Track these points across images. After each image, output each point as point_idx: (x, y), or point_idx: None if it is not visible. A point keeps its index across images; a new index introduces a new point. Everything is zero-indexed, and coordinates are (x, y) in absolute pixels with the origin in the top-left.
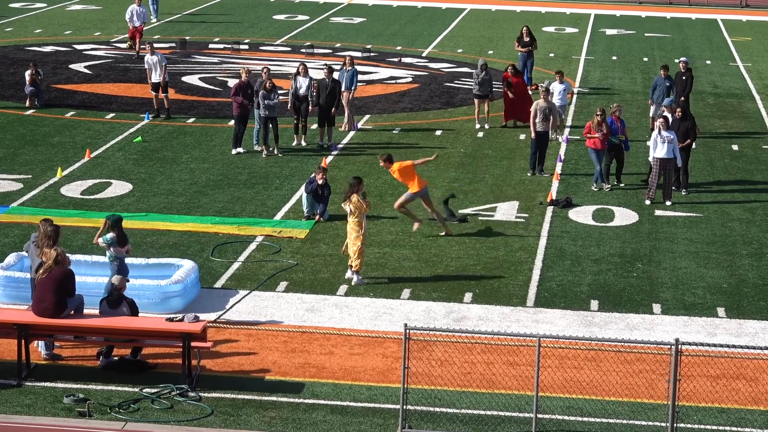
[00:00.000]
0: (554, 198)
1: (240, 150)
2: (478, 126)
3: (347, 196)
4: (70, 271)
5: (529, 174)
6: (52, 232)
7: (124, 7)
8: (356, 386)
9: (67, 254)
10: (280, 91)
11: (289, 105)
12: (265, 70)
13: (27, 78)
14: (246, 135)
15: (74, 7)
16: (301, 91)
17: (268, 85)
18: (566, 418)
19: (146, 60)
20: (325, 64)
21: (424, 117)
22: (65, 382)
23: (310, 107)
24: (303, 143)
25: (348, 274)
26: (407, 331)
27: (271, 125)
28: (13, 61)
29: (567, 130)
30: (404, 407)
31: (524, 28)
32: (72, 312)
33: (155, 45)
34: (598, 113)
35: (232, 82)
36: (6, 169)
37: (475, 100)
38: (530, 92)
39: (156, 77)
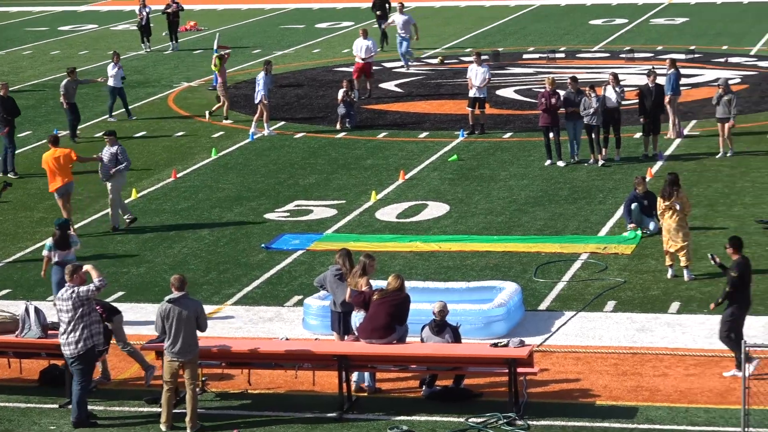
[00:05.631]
0: None
1: (550, 162)
2: (720, 154)
3: (673, 192)
4: (408, 297)
5: None
6: (366, 264)
7: (433, 21)
8: (693, 409)
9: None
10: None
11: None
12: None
13: (339, 96)
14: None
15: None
16: (609, 103)
17: (589, 91)
18: None
19: (469, 69)
20: (651, 68)
21: (755, 119)
22: (388, 414)
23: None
24: (600, 163)
25: (670, 272)
26: (746, 348)
27: (593, 134)
28: (322, 83)
29: None
30: (746, 430)
31: None
32: (395, 341)
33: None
34: None
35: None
36: (320, 195)
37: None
38: None
39: (475, 92)
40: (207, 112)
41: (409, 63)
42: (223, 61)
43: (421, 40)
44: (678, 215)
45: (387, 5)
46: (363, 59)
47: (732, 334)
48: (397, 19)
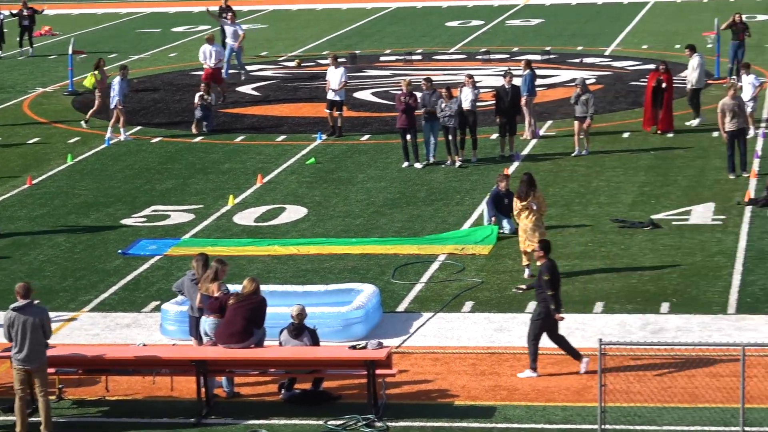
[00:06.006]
0: (753, 197)
1: (408, 163)
2: (575, 152)
3: (529, 192)
4: (264, 300)
5: (731, 176)
6: (218, 269)
7: (290, 24)
8: (550, 407)
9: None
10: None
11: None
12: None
13: (196, 100)
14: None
15: None
16: (465, 105)
17: (446, 93)
18: None
19: (328, 73)
20: (507, 69)
21: (610, 119)
22: (246, 419)
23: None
24: (458, 164)
25: (527, 273)
26: (602, 346)
27: (450, 135)
28: (179, 87)
29: (764, 125)
30: (602, 426)
31: (736, 16)
32: (253, 345)
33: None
34: None
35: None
36: (177, 199)
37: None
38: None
39: (333, 94)
40: (122, 131)
41: (242, 73)
42: (101, 68)
43: (279, 43)
44: (534, 215)
45: (230, 12)
46: (210, 65)
47: (539, 334)
48: (227, 29)
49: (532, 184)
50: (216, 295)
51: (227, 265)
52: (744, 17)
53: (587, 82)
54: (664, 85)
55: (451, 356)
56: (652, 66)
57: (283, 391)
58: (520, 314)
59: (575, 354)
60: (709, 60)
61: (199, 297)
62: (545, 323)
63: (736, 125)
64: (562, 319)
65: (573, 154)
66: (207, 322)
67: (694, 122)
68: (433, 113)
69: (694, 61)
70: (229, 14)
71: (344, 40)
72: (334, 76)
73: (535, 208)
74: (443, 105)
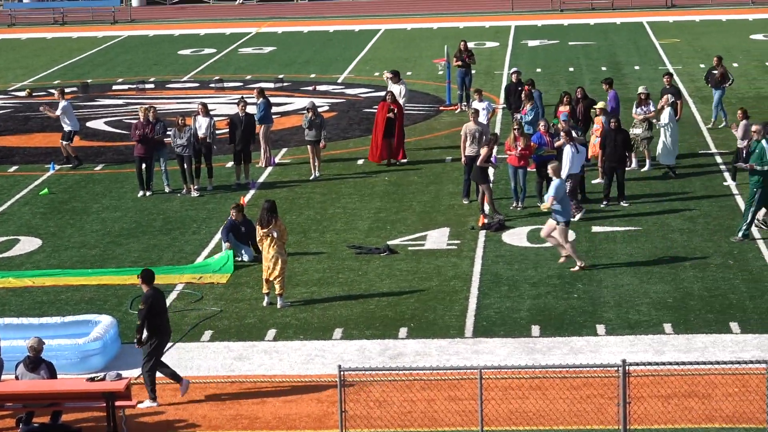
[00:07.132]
0: (486, 221)
1: (143, 193)
2: (313, 176)
3: (271, 219)
4: None
5: (465, 202)
6: None
7: (21, 53)
8: None
9: None
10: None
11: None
12: (151, 109)
13: None
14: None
15: None
16: (200, 132)
17: (180, 122)
18: None
19: (60, 107)
20: (241, 97)
21: (344, 146)
22: None
23: (213, 148)
24: (194, 193)
25: (265, 300)
26: (341, 372)
27: (185, 164)
28: None
29: (495, 150)
30: None
31: (461, 43)
32: None
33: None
34: (515, 127)
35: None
36: None
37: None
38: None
39: (69, 125)
40: None
41: None
42: None
43: (9, 72)
44: (276, 243)
45: None
46: None
47: (153, 362)
48: None
49: (274, 212)
50: None
51: None
52: (472, 44)
53: (321, 109)
54: (396, 112)
55: (191, 386)
56: (383, 93)
57: (21, 426)
58: (259, 342)
59: (176, 377)
60: (441, 87)
61: None
62: (156, 351)
63: (475, 150)
64: (139, 347)
65: (311, 178)
66: None
67: None
68: (159, 142)
69: (400, 88)
70: None
71: (75, 69)
72: (66, 109)
73: (275, 235)
74: (177, 134)
